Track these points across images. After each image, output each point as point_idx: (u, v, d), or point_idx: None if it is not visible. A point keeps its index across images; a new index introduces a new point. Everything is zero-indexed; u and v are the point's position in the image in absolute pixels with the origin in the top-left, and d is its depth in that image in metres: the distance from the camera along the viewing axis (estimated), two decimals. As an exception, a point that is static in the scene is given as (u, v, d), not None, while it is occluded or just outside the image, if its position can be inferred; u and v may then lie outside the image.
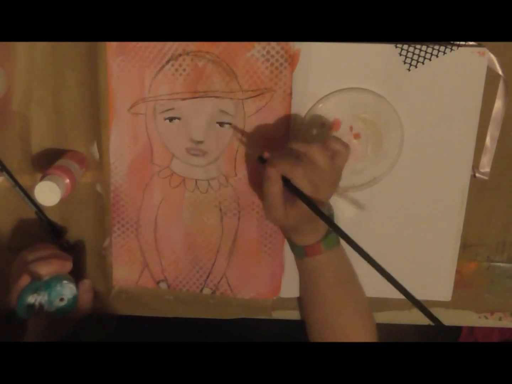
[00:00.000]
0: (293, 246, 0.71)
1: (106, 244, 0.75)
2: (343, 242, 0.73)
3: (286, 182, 0.63)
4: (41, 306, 0.66)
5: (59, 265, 0.68)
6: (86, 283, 0.70)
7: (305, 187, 0.62)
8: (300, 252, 0.70)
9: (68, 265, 0.69)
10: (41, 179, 0.65)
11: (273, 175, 0.63)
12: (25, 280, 0.65)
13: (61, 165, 0.68)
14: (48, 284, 0.66)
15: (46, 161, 0.70)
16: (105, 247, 0.75)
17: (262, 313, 0.78)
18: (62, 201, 0.65)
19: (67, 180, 0.66)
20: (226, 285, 0.76)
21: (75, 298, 0.69)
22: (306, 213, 0.63)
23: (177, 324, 0.80)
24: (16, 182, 0.72)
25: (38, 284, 0.66)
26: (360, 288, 0.73)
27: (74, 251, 0.74)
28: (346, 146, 0.64)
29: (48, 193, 0.64)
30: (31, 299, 0.66)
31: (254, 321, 0.78)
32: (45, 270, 0.67)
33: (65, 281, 0.67)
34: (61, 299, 0.68)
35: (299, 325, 0.74)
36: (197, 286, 0.76)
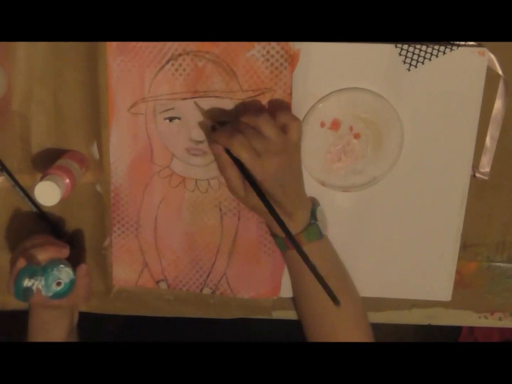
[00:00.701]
0: (275, 237, 0.71)
1: (106, 244, 0.75)
2: (340, 244, 0.73)
3: (228, 152, 0.64)
4: (38, 291, 0.66)
5: (56, 251, 0.68)
6: (83, 267, 0.70)
7: (244, 155, 0.62)
8: (281, 244, 0.70)
9: (65, 252, 0.68)
10: (41, 179, 0.65)
11: (216, 149, 0.65)
12: (21, 263, 0.65)
13: (61, 165, 0.68)
14: (45, 269, 0.66)
15: (46, 161, 0.70)
16: (105, 247, 0.75)
17: (262, 313, 0.78)
18: (62, 201, 0.65)
19: (67, 180, 0.66)
20: (226, 285, 0.76)
21: (72, 283, 0.68)
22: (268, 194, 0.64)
23: (177, 324, 0.80)
24: (16, 182, 0.72)
25: (35, 268, 0.66)
26: (351, 286, 0.73)
27: (74, 250, 0.74)
28: (294, 118, 0.65)
29: (48, 193, 0.64)
30: (28, 282, 0.66)
31: (254, 321, 0.78)
32: (42, 255, 0.67)
33: (61, 265, 0.67)
34: (58, 284, 0.67)
35: (299, 325, 0.74)
36: (197, 286, 0.76)
